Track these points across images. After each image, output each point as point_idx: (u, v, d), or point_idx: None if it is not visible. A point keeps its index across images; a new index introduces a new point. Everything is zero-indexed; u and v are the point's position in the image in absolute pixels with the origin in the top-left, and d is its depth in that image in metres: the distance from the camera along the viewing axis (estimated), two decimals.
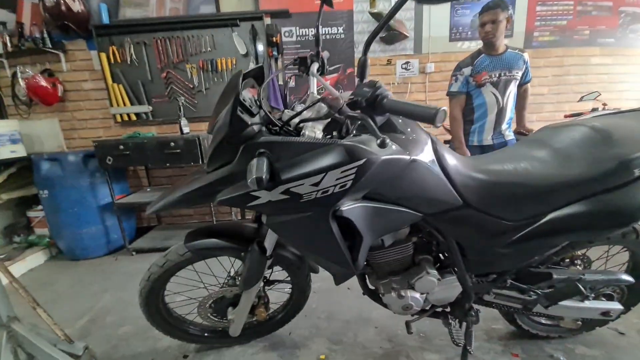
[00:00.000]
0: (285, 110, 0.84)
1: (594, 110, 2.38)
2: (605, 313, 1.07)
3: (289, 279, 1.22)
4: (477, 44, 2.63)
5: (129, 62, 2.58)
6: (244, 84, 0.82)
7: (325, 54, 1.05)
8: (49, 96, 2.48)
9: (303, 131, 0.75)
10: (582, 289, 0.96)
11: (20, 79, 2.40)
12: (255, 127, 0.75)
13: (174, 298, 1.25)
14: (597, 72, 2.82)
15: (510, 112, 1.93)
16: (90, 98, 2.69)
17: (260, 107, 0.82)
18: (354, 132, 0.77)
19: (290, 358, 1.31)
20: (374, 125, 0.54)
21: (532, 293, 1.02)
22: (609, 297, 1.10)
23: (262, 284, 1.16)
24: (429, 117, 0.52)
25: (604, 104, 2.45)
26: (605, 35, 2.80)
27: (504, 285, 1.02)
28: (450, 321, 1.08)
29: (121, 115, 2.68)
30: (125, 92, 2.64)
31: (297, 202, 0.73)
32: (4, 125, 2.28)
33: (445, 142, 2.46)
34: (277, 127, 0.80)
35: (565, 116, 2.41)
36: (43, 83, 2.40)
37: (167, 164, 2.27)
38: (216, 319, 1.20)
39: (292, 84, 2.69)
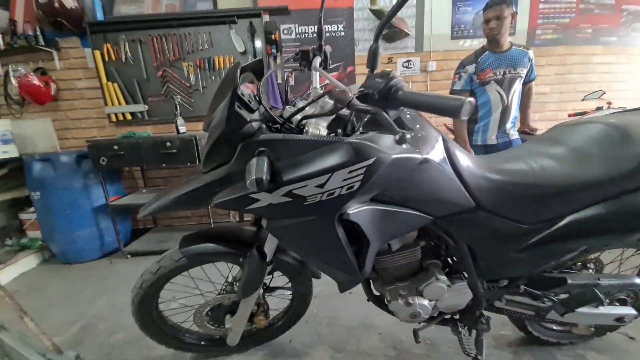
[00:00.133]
0: (287, 107, 0.78)
1: (598, 109, 2.34)
2: (620, 319, 1.02)
3: (289, 284, 1.17)
4: (479, 42, 2.59)
5: (124, 60, 2.52)
6: (242, 78, 0.76)
7: (327, 48, 1.00)
8: (41, 95, 2.41)
9: (306, 128, 0.69)
10: (600, 295, 0.91)
11: (12, 78, 2.33)
12: (255, 124, 0.69)
13: (169, 305, 1.19)
14: (600, 70, 2.79)
15: (515, 110, 1.89)
16: (84, 97, 2.62)
17: (259, 102, 0.76)
18: (361, 129, 0.72)
19: None
20: (389, 120, 0.49)
21: (546, 300, 0.97)
22: (623, 302, 1.05)
23: (261, 291, 1.10)
24: (453, 109, 0.46)
25: (609, 103, 2.41)
26: (607, 34, 2.77)
27: (516, 291, 0.97)
28: (460, 329, 1.03)
29: (116, 115, 2.62)
30: (120, 91, 2.58)
31: (300, 205, 0.68)
32: None
33: None
34: (278, 125, 0.74)
35: (569, 115, 2.37)
36: (36, 82, 2.33)
37: (163, 165, 2.20)
38: (213, 327, 1.14)
39: (291, 82, 2.64)
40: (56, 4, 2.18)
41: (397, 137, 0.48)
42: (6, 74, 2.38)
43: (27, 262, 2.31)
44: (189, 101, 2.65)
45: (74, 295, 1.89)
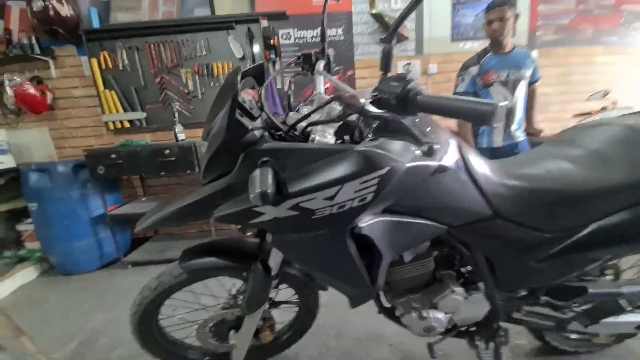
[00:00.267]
0: (290, 113, 0.74)
1: (603, 109, 2.32)
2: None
3: (296, 298, 1.12)
4: (479, 44, 2.56)
5: (120, 68, 2.49)
6: (242, 84, 0.72)
7: (330, 51, 0.97)
8: (37, 104, 2.37)
9: (312, 136, 0.65)
10: (623, 305, 0.86)
11: (7, 87, 2.29)
12: (257, 132, 0.65)
13: (170, 320, 1.14)
14: (602, 70, 2.77)
15: (520, 112, 1.86)
16: (81, 105, 2.59)
17: (261, 109, 0.72)
18: (370, 135, 0.68)
19: None
20: (412, 129, 0.44)
21: (567, 311, 0.92)
22: None
23: (267, 306, 1.05)
24: (483, 115, 0.40)
25: (614, 103, 2.38)
26: (608, 34, 2.76)
27: (536, 302, 0.92)
28: (477, 342, 0.98)
29: (114, 123, 2.58)
30: (117, 99, 2.54)
31: (308, 219, 0.63)
32: None
33: None
34: (282, 132, 0.70)
35: (575, 115, 2.34)
36: (31, 91, 2.29)
37: (162, 173, 2.16)
38: (217, 343, 1.09)
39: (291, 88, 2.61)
40: (51, 12, 2.15)
41: (425, 148, 0.43)
42: (1, 84, 2.35)
43: (26, 274, 2.25)
44: (188, 108, 2.61)
45: (73, 308, 1.84)
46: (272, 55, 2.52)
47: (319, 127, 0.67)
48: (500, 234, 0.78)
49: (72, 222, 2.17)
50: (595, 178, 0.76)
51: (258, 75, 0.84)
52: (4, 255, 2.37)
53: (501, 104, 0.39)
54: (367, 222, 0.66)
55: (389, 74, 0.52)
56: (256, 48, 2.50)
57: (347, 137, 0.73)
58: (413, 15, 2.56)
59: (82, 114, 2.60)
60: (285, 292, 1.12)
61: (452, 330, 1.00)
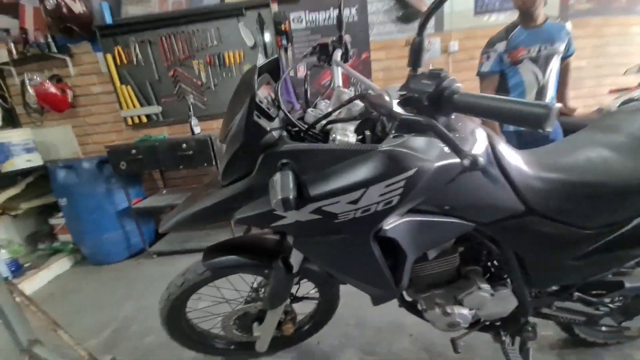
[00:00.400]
0: (309, 110, 0.71)
1: None
2: None
3: (316, 292, 1.13)
4: (505, 17, 2.38)
5: (135, 63, 2.50)
6: (258, 82, 0.70)
7: (347, 38, 0.91)
8: (59, 102, 2.44)
9: (333, 135, 0.62)
10: None
11: (29, 87, 2.36)
12: (275, 133, 0.63)
13: (197, 313, 1.18)
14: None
15: (552, 91, 1.71)
16: (100, 102, 2.64)
17: (278, 107, 0.70)
18: (393, 131, 0.64)
19: None
20: (452, 139, 0.39)
21: (601, 306, 0.87)
22: None
23: (288, 301, 1.07)
24: (536, 119, 0.34)
25: None
26: None
27: (568, 298, 0.88)
28: (503, 338, 0.96)
29: (132, 118, 2.63)
30: (134, 94, 2.58)
31: (330, 223, 0.62)
32: (17, 135, 2.26)
33: None
34: (299, 129, 0.67)
35: (611, 91, 2.16)
36: (52, 90, 2.35)
37: (181, 167, 2.21)
38: (241, 335, 1.13)
39: (302, 73, 2.55)
40: (64, 10, 2.17)
41: (467, 162, 0.38)
42: (22, 83, 2.42)
43: (61, 265, 2.40)
44: (202, 100, 2.61)
45: (105, 297, 1.95)
46: (284, 42, 2.45)
47: (339, 125, 0.64)
48: (533, 230, 0.74)
49: (100, 215, 2.27)
50: None
51: (273, 69, 0.81)
52: (39, 247, 2.52)
53: (555, 105, 0.34)
54: (392, 225, 0.64)
55: (419, 70, 0.47)
56: (267, 35, 2.44)
57: (368, 133, 0.69)
58: None
59: (102, 110, 2.65)
60: (306, 286, 1.13)
61: (477, 324, 0.98)
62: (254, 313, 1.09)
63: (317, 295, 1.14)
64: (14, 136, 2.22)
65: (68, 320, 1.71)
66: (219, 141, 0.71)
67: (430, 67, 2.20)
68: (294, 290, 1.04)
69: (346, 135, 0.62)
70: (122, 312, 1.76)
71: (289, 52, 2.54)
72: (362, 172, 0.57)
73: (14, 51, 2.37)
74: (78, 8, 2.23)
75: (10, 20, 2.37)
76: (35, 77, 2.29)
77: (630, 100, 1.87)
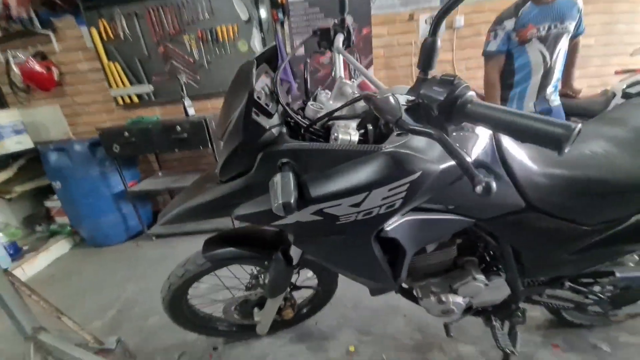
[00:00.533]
0: (309, 104, 0.68)
1: None
2: None
3: (316, 280, 1.15)
4: None
5: (122, 38, 2.37)
6: (256, 72, 0.66)
7: (349, 20, 0.85)
8: (45, 81, 2.34)
9: (335, 134, 0.60)
10: None
11: (13, 65, 2.24)
12: (275, 130, 0.61)
13: (198, 300, 1.21)
14: None
15: (558, 72, 1.65)
16: (88, 80, 2.53)
17: (278, 101, 0.67)
18: (396, 129, 0.61)
19: (319, 350, 1.29)
20: (465, 158, 0.37)
21: (591, 296, 0.91)
22: None
23: (288, 289, 1.09)
24: (556, 139, 0.33)
25: None
26: None
27: (559, 287, 0.91)
28: (494, 322, 1.00)
29: (122, 98, 2.53)
30: (122, 71, 2.46)
31: (331, 224, 0.61)
32: (5, 116, 2.18)
33: None
34: (300, 125, 0.65)
35: (616, 72, 2.10)
36: (37, 68, 2.24)
37: (176, 150, 2.16)
38: (242, 319, 1.17)
39: (307, 69, 2.44)
40: None
41: (480, 189, 0.36)
42: (7, 62, 2.29)
43: (60, 247, 2.42)
44: (195, 79, 2.51)
45: (107, 279, 1.99)
46: (280, 15, 2.32)
47: (342, 122, 0.62)
48: (531, 226, 0.74)
49: (96, 199, 2.25)
50: None
51: (271, 58, 0.76)
52: (36, 229, 2.52)
53: (576, 126, 0.32)
54: (393, 225, 0.64)
55: (430, 74, 0.43)
56: (262, 9, 2.30)
57: (370, 127, 0.67)
58: None
59: (90, 89, 2.55)
60: (305, 272, 1.16)
61: (469, 310, 1.02)
62: (254, 300, 1.12)
63: (316, 281, 1.17)
64: (3, 117, 2.14)
65: (71, 303, 1.76)
66: (218, 138, 0.68)
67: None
68: (293, 279, 1.06)
69: (348, 133, 0.60)
70: (124, 294, 1.80)
71: (286, 27, 2.41)
72: (364, 176, 0.55)
73: None
74: None
75: None
76: (19, 55, 2.17)
77: (636, 82, 1.83)
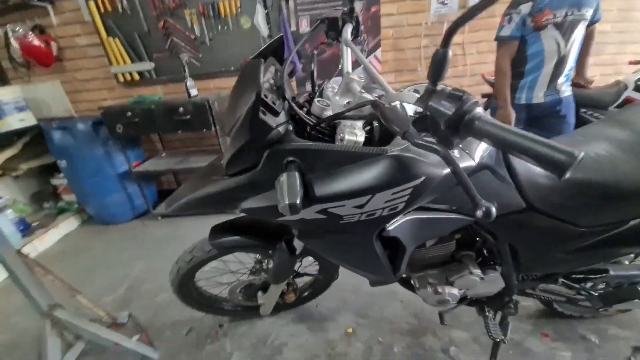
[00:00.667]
0: (315, 101, 0.68)
1: None
2: None
3: (318, 268, 1.19)
4: None
5: (120, 11, 2.28)
6: (263, 67, 0.65)
7: (357, 6, 0.82)
8: (44, 56, 2.28)
9: (341, 135, 0.60)
10: None
11: (12, 39, 2.18)
12: (281, 129, 0.61)
13: (204, 282, 1.26)
14: None
15: (572, 61, 1.59)
16: (87, 55, 2.47)
17: (284, 98, 0.66)
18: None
19: (319, 330, 1.36)
20: (469, 182, 0.37)
21: (583, 292, 0.94)
22: None
23: (291, 276, 1.13)
24: (558, 165, 0.33)
25: None
26: None
27: (553, 282, 0.94)
28: (487, 313, 1.04)
29: (123, 75, 2.48)
30: (122, 47, 2.40)
31: (335, 223, 0.63)
32: (7, 93, 2.16)
33: (484, 96, 2.18)
34: (303, 118, 0.65)
35: (630, 62, 2.03)
36: (36, 42, 2.19)
37: (179, 131, 2.15)
38: (247, 302, 1.22)
39: (305, 28, 2.35)
40: None
41: (480, 213, 0.37)
42: (6, 36, 2.23)
43: (69, 224, 2.48)
44: (196, 56, 2.44)
45: (116, 257, 2.06)
46: None
47: (348, 122, 0.62)
48: (530, 226, 0.76)
49: (101, 178, 2.28)
50: None
51: (277, 50, 0.75)
52: (44, 206, 2.58)
53: (579, 154, 0.33)
54: (395, 224, 0.66)
55: (440, 85, 0.43)
56: None
57: (376, 124, 0.67)
58: None
59: (90, 65, 2.49)
60: (307, 259, 1.19)
61: (464, 300, 1.06)
62: (258, 284, 1.17)
63: (318, 268, 1.21)
64: (5, 94, 2.12)
65: (82, 279, 1.83)
66: (224, 134, 0.68)
67: (446, 25, 1.98)
68: (296, 266, 1.10)
69: (354, 134, 0.60)
70: (133, 272, 1.87)
71: (291, 3, 2.31)
72: (369, 179, 0.56)
73: None
74: None
75: None
76: (18, 29, 2.11)
77: None
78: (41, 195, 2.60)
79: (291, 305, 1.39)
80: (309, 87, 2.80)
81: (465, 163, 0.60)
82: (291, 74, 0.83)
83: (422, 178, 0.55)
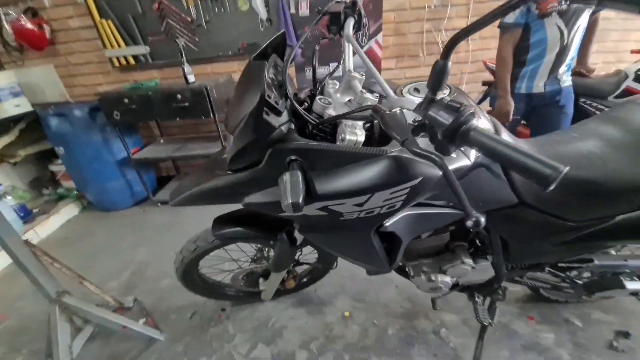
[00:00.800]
0: (317, 99, 0.69)
1: None
2: (635, 293, 1.05)
3: (317, 257, 1.24)
4: None
5: None
6: (267, 69, 0.65)
7: (360, 0, 0.81)
8: (37, 39, 2.23)
9: (342, 135, 0.61)
10: (624, 280, 0.92)
11: (5, 23, 2.12)
12: (284, 128, 0.62)
13: (209, 269, 1.30)
14: None
15: (574, 51, 1.57)
16: (81, 38, 2.40)
17: (286, 97, 0.67)
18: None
19: (317, 314, 1.43)
20: (462, 192, 0.39)
21: (568, 280, 0.99)
22: None
23: (291, 265, 1.18)
24: (543, 178, 0.36)
25: None
26: None
27: (540, 271, 0.99)
28: (477, 298, 1.10)
29: (118, 59, 2.43)
30: (116, 30, 2.33)
31: (335, 220, 0.66)
32: (2, 78, 2.12)
33: (485, 83, 2.17)
34: (307, 119, 0.66)
35: (632, 51, 2.01)
36: (29, 25, 2.13)
37: (177, 118, 2.14)
38: (249, 288, 1.27)
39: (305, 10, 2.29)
40: None
41: (470, 223, 0.39)
42: None
43: (69, 210, 2.51)
44: (193, 40, 2.39)
45: (118, 243, 2.10)
46: None
47: (349, 122, 0.63)
48: (521, 220, 0.79)
49: (100, 165, 2.28)
50: (638, 172, 0.71)
51: (278, 45, 0.75)
52: (43, 193, 2.59)
53: (564, 169, 0.35)
54: (392, 220, 0.69)
55: (439, 94, 0.44)
56: None
57: (376, 121, 0.68)
58: None
59: (84, 48, 2.43)
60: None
61: (456, 287, 1.12)
62: (259, 271, 1.21)
63: (317, 257, 1.25)
64: (0, 79, 2.08)
65: (87, 264, 1.88)
66: (228, 132, 0.69)
67: (450, 8, 1.90)
68: (296, 255, 1.14)
69: (355, 134, 0.61)
70: (136, 257, 1.92)
71: None
72: (368, 179, 0.58)
73: None
74: None
75: None
76: (10, 13, 2.04)
77: None
78: (40, 181, 2.60)
79: (291, 290, 1.45)
80: (308, 73, 2.77)
81: (461, 162, 0.62)
82: (286, 49, 0.83)
83: (420, 179, 0.58)
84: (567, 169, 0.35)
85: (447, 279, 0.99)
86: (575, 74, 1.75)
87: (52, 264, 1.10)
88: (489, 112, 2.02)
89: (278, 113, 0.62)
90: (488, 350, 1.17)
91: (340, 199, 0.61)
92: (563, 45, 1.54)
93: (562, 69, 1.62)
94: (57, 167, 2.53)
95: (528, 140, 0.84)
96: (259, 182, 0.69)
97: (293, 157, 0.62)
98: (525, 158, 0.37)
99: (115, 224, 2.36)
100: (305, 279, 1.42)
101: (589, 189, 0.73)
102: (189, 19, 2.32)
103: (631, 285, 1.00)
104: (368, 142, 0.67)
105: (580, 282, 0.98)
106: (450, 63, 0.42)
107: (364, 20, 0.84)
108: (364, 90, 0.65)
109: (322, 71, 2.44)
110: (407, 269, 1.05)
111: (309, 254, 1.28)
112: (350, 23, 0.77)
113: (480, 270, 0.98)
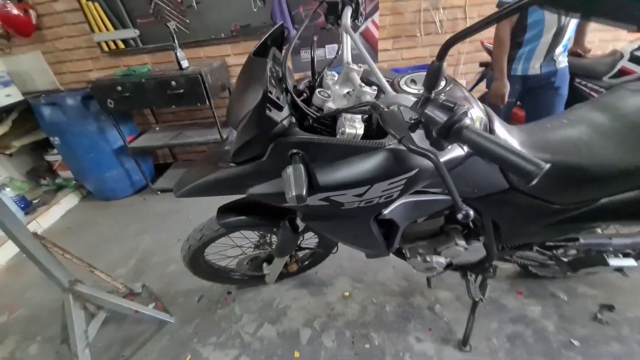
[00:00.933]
0: (316, 92, 0.70)
1: None
2: (619, 269, 1.12)
3: (318, 242, 1.29)
4: None
5: None
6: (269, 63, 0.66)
7: None
8: (23, 25, 2.15)
9: (342, 128, 0.64)
10: (608, 258, 0.98)
11: None
12: (285, 122, 0.64)
13: (214, 255, 1.35)
14: None
15: (570, 32, 1.57)
16: (67, 22, 2.31)
17: (287, 91, 0.68)
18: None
19: (319, 294, 1.51)
20: (453, 186, 0.43)
21: (554, 258, 1.06)
22: (626, 254, 1.14)
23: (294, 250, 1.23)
24: (525, 174, 0.39)
25: None
26: None
27: (529, 250, 1.05)
28: (469, 277, 1.17)
29: (107, 44, 2.36)
30: (103, 13, 2.25)
31: (336, 209, 0.69)
32: None
33: (482, 64, 2.16)
34: (305, 108, 0.68)
35: (629, 30, 2.00)
36: (15, 11, 2.05)
37: (173, 106, 2.12)
38: (253, 272, 1.33)
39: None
40: None
41: (461, 216, 0.42)
42: None
43: (69, 200, 2.52)
44: (184, 22, 2.31)
45: (121, 231, 2.14)
46: None
47: (348, 115, 0.65)
48: (511, 204, 0.84)
49: (97, 154, 2.28)
50: (623, 158, 0.74)
51: (278, 39, 0.75)
52: (42, 183, 2.59)
53: (546, 166, 0.38)
54: (390, 208, 0.72)
55: (434, 93, 0.46)
56: None
57: (375, 115, 0.71)
58: None
59: (71, 32, 2.35)
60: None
61: (449, 266, 1.19)
62: (263, 257, 1.27)
63: (317, 242, 1.31)
64: None
65: (93, 253, 1.93)
66: (230, 126, 0.71)
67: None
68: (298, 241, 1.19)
69: (354, 127, 0.64)
70: (141, 245, 1.97)
71: None
72: (368, 171, 0.62)
73: None
74: None
75: None
76: None
77: None
78: (37, 171, 2.59)
79: (293, 273, 1.51)
80: (303, 54, 2.70)
81: (457, 152, 0.65)
82: (285, 40, 0.83)
83: (416, 170, 0.61)
84: (548, 166, 0.38)
85: (442, 260, 1.05)
86: (572, 54, 1.74)
87: (62, 255, 1.14)
88: (485, 94, 2.03)
89: (280, 108, 0.64)
90: (479, 323, 1.26)
91: (341, 190, 0.64)
92: (560, 26, 1.53)
93: (559, 50, 1.62)
94: (53, 157, 2.51)
95: (521, 127, 0.87)
96: (262, 174, 0.72)
97: (295, 151, 0.65)
98: (512, 155, 0.40)
99: (116, 212, 2.39)
100: (306, 262, 1.48)
101: (575, 174, 0.77)
102: (179, 0, 2.23)
103: (614, 262, 1.08)
104: (367, 133, 0.70)
105: (565, 259, 1.05)
106: (445, 64, 0.44)
107: (362, 7, 0.83)
108: (362, 84, 0.67)
109: (319, 53, 2.40)
110: (403, 251, 1.11)
111: (310, 239, 1.33)
112: (348, 12, 0.77)
113: (473, 251, 1.04)
